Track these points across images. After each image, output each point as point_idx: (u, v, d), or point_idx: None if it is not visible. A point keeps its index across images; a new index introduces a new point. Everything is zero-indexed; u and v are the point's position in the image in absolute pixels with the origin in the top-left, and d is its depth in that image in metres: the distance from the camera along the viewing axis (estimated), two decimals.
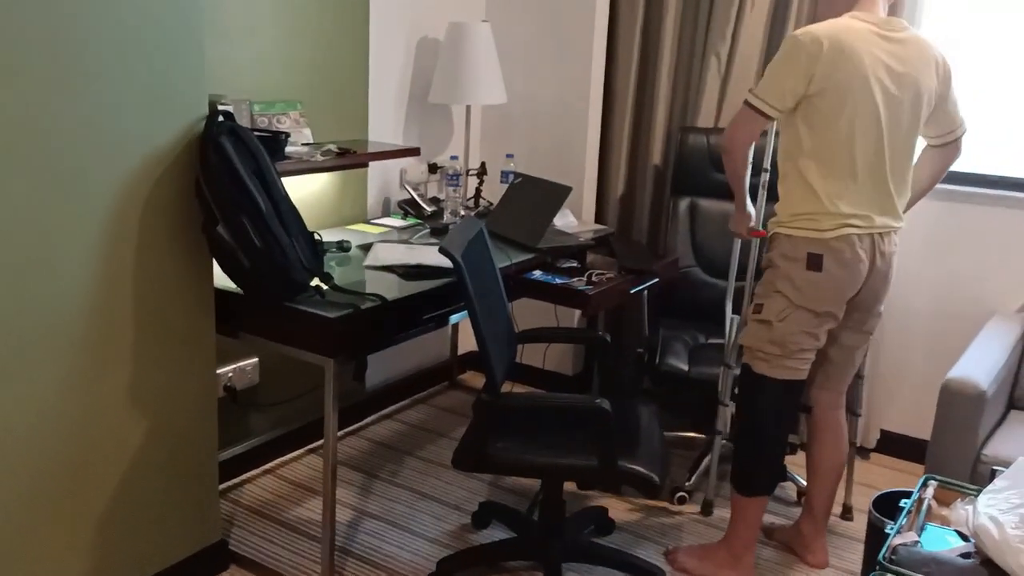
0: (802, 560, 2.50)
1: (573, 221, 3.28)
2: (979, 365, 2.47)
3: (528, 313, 3.34)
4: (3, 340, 1.76)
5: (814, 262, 2.15)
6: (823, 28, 2.11)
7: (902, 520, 1.82)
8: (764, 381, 2.25)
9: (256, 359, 2.80)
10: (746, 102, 2.19)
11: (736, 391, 2.51)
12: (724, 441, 2.72)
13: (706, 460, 2.86)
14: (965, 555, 1.69)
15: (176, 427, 2.15)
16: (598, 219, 3.58)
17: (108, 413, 1.98)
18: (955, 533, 1.78)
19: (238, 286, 2.14)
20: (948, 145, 2.32)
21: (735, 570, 2.35)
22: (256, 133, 2.20)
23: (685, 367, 2.81)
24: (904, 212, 2.26)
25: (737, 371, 2.51)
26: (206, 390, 2.21)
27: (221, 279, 2.17)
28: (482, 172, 3.42)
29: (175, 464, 2.16)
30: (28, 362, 1.81)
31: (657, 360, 2.84)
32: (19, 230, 1.75)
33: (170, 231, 2.04)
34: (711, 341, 2.98)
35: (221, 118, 2.05)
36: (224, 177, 1.99)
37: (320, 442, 3.12)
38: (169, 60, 1.96)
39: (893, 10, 2.40)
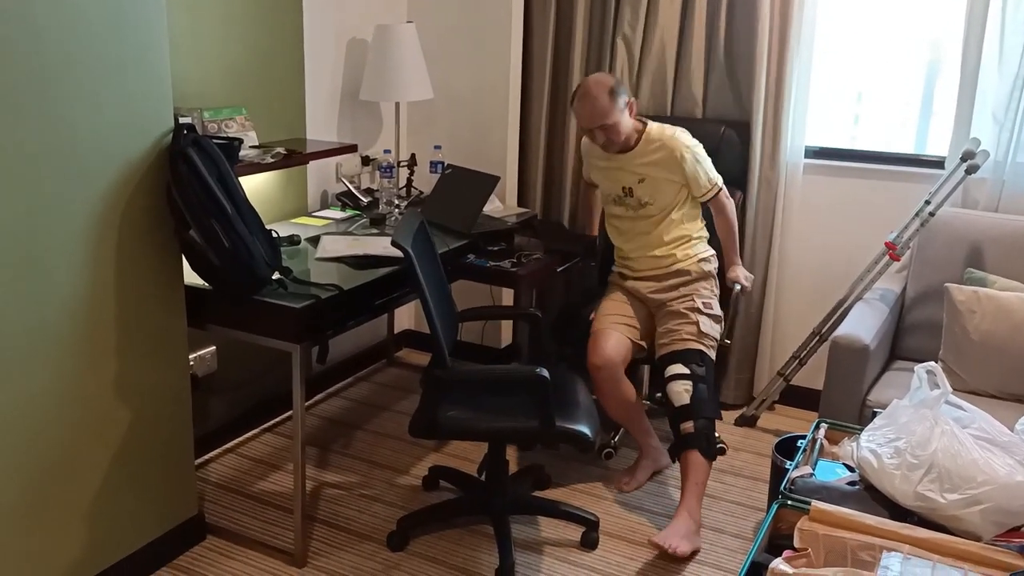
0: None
1: (499, 205, 3.55)
2: (863, 323, 2.83)
3: (461, 293, 3.61)
4: (1, 336, 1.93)
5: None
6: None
7: (799, 458, 2.14)
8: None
9: (214, 347, 3.00)
10: (721, 189, 2.94)
11: (698, 370, 2.76)
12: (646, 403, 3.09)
13: None
14: (851, 483, 1.98)
15: (155, 413, 2.35)
16: (520, 203, 3.85)
17: (94, 404, 2.18)
18: (843, 466, 2.09)
19: (208, 283, 2.34)
20: None
21: (699, 531, 2.66)
22: (214, 141, 2.39)
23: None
24: None
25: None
26: (180, 378, 2.42)
27: (188, 276, 2.37)
28: (412, 163, 3.66)
29: (155, 446, 2.37)
30: (21, 360, 1.99)
31: (564, 326, 3.13)
32: (10, 241, 1.93)
33: (145, 236, 2.24)
34: None
35: (185, 131, 2.24)
36: (193, 185, 2.19)
37: (275, 421, 3.35)
38: (138, 82, 2.15)
39: None
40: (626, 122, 2.84)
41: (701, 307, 2.86)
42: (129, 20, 2.10)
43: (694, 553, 2.58)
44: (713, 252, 3.00)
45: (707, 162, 2.92)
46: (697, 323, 2.82)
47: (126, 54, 2.11)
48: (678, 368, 2.73)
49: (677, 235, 2.95)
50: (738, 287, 2.97)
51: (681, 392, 2.69)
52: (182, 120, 2.40)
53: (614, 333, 2.86)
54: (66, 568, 2.17)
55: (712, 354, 2.82)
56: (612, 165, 2.96)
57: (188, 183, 2.19)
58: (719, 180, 2.94)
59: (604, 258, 3.28)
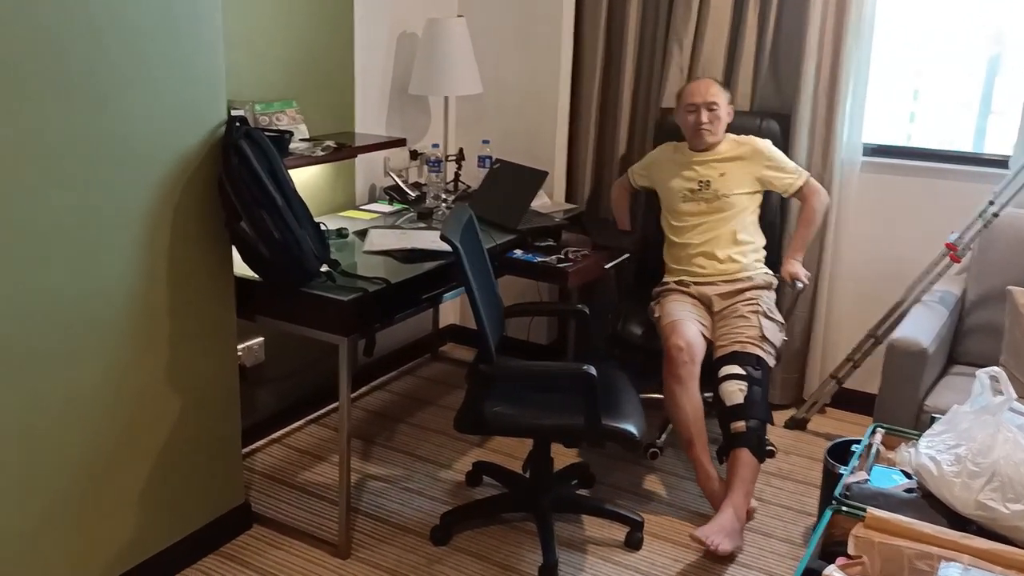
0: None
1: (546, 201, 3.53)
2: (922, 325, 2.75)
3: (508, 289, 3.60)
4: (59, 327, 1.97)
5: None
6: None
7: (854, 462, 2.06)
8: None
9: (262, 338, 3.03)
10: (810, 177, 3.05)
11: (755, 373, 2.71)
12: None
13: None
14: (909, 490, 1.91)
15: (204, 402, 2.38)
16: (568, 198, 3.83)
17: (147, 391, 2.21)
18: (900, 472, 2.02)
19: (258, 275, 2.36)
20: None
21: (743, 530, 2.60)
22: (266, 134, 2.41)
23: (645, 337, 3.04)
24: None
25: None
26: (229, 368, 2.45)
27: (238, 267, 2.39)
28: (460, 158, 3.65)
29: (204, 435, 2.40)
30: (76, 348, 2.02)
31: (621, 328, 3.11)
32: (70, 231, 1.96)
33: (197, 227, 2.26)
34: None
35: (238, 124, 2.26)
36: (245, 177, 2.21)
37: (320, 412, 3.37)
38: (193, 75, 2.17)
39: None
40: (725, 115, 3.05)
41: (765, 311, 2.85)
42: (185, 14, 2.12)
43: (735, 552, 2.53)
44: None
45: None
46: (760, 327, 2.79)
47: (181, 48, 2.13)
48: (734, 368, 2.69)
49: (747, 239, 3.02)
50: (799, 285, 2.92)
51: (735, 391, 2.65)
52: (235, 113, 2.42)
53: (691, 323, 2.83)
54: (117, 553, 2.21)
55: (771, 361, 2.78)
56: (691, 160, 3.09)
57: (240, 175, 2.20)
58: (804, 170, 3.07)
59: (647, 257, 3.27)
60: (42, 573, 2.03)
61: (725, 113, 3.06)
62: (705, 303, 2.95)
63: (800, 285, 2.95)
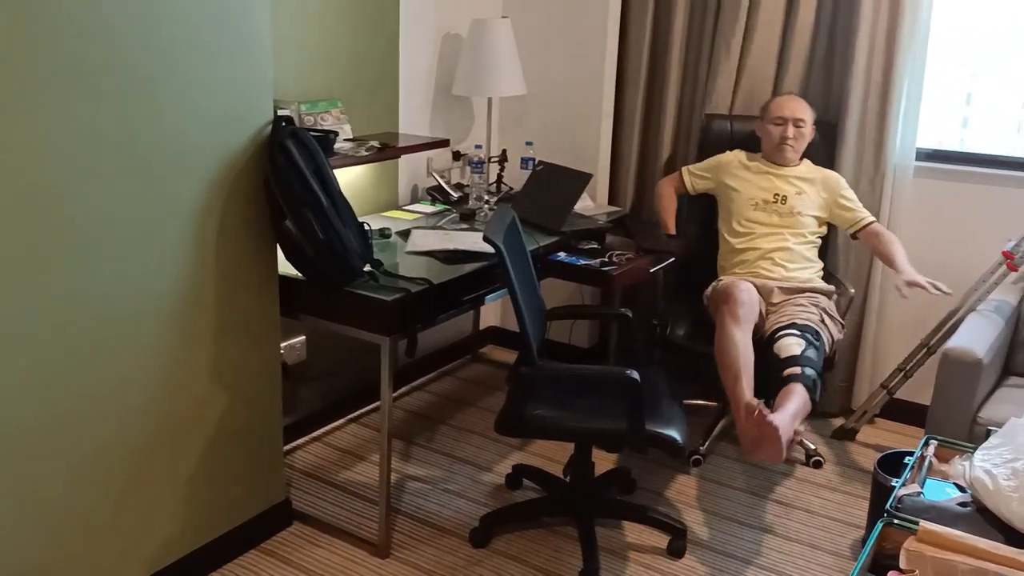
0: None
1: (589, 203, 3.51)
2: (976, 335, 2.67)
3: (549, 291, 3.58)
4: (109, 321, 2.00)
5: None
6: None
7: (906, 475, 2.01)
8: None
9: (304, 337, 3.05)
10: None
11: (814, 340, 2.69)
12: None
13: (720, 424, 3.12)
14: (963, 504, 1.86)
15: (248, 398, 2.40)
16: (611, 201, 3.80)
17: (193, 385, 2.23)
18: (953, 486, 1.96)
19: (302, 273, 2.37)
20: None
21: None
22: (311, 133, 2.42)
23: (691, 340, 3.04)
24: None
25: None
26: (272, 365, 2.46)
27: (282, 266, 2.41)
28: (503, 159, 3.64)
29: (246, 431, 2.41)
30: (125, 342, 2.05)
31: (668, 332, 3.08)
32: (121, 226, 1.99)
33: (243, 225, 2.28)
34: None
35: (284, 123, 2.27)
36: (291, 177, 2.22)
37: (360, 411, 3.38)
38: (241, 75, 2.19)
39: None
40: (809, 134, 3.10)
41: (825, 308, 2.88)
42: (234, 16, 2.14)
43: (772, 449, 2.32)
44: None
45: None
46: (822, 310, 2.83)
47: (231, 49, 2.15)
48: (791, 330, 2.69)
49: (813, 258, 3.06)
50: (935, 290, 2.71)
51: (792, 344, 2.63)
52: (281, 112, 2.44)
53: (753, 291, 2.82)
54: (161, 547, 2.23)
55: (827, 340, 2.78)
56: (768, 171, 3.10)
57: (285, 174, 2.21)
58: None
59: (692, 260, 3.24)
60: (89, 565, 2.06)
61: (809, 132, 3.08)
62: (765, 294, 2.93)
63: (936, 290, 2.70)
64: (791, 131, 3.03)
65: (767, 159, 3.13)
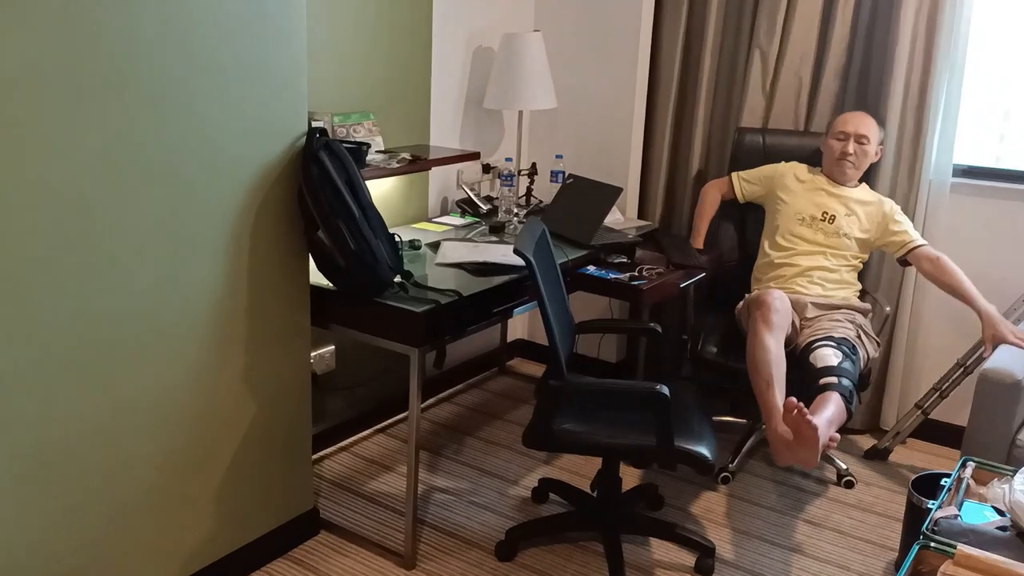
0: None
1: (619, 217, 3.50)
2: (1015, 356, 2.62)
3: (578, 305, 3.57)
4: (143, 328, 2.02)
5: None
6: None
7: (943, 496, 1.97)
8: None
9: (333, 347, 3.06)
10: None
11: (850, 353, 2.69)
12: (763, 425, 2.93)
13: (750, 441, 3.08)
14: (1002, 528, 1.83)
15: (276, 407, 2.41)
16: (640, 215, 3.79)
17: (225, 394, 2.25)
18: (992, 509, 1.92)
19: (333, 284, 2.39)
20: None
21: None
22: (344, 145, 2.44)
23: (722, 356, 3.02)
24: None
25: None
26: (302, 374, 2.47)
27: (313, 276, 2.42)
28: (533, 172, 3.65)
29: (275, 440, 2.43)
30: (161, 347, 2.07)
31: (699, 347, 3.06)
32: (156, 235, 2.01)
33: (276, 235, 2.30)
34: None
35: (318, 135, 2.29)
36: (324, 188, 2.23)
37: (388, 422, 3.39)
38: (277, 87, 2.21)
39: None
40: (873, 154, 3.05)
41: (862, 324, 2.88)
42: (272, 29, 2.16)
43: (808, 451, 2.27)
44: None
45: None
46: (858, 326, 2.82)
47: (268, 60, 2.17)
48: (827, 342, 2.68)
49: (852, 280, 3.04)
50: None
51: (828, 355, 2.62)
52: (315, 124, 2.46)
53: (786, 299, 2.78)
54: (189, 553, 2.24)
55: (863, 356, 2.76)
56: (822, 188, 3.08)
57: (318, 185, 2.23)
58: None
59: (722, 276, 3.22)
60: (120, 571, 2.08)
61: (873, 151, 3.04)
62: (799, 309, 2.91)
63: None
64: (852, 147, 2.99)
65: (826, 175, 3.10)
